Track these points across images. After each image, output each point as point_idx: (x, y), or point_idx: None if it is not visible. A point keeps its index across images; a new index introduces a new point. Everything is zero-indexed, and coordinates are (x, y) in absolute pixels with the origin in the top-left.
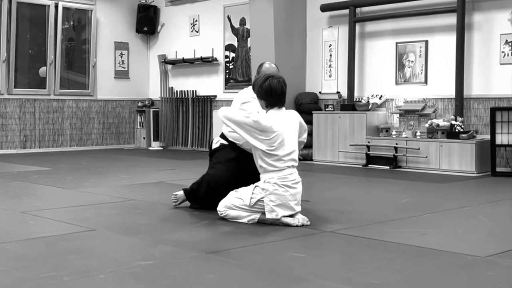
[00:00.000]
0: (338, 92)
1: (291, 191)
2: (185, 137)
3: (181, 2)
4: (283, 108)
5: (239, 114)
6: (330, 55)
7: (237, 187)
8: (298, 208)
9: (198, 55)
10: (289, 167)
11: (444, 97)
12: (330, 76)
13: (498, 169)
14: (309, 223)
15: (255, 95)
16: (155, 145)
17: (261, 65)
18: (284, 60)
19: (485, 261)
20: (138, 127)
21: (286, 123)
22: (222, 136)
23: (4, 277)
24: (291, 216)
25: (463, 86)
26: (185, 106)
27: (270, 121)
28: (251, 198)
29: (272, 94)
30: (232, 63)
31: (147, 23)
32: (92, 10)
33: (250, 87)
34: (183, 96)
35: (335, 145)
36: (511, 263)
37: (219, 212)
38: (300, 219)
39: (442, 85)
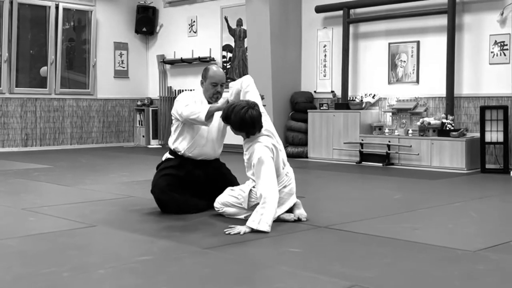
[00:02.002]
0: (332, 91)
1: (286, 189)
2: None
3: (179, 3)
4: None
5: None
6: (325, 55)
7: (186, 190)
8: (294, 200)
9: (196, 55)
10: (283, 169)
11: (435, 96)
12: (324, 76)
13: (487, 166)
14: (305, 218)
15: (196, 99)
16: (154, 143)
17: (207, 69)
18: (280, 60)
19: (474, 255)
20: (138, 125)
21: (273, 140)
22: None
23: (5, 273)
24: (288, 210)
25: (453, 85)
26: None
27: (271, 161)
28: (248, 202)
29: (254, 125)
30: (229, 63)
31: (146, 23)
32: (92, 11)
33: (194, 93)
34: None
35: (329, 143)
36: (500, 257)
37: (215, 208)
38: (297, 214)
39: (433, 85)
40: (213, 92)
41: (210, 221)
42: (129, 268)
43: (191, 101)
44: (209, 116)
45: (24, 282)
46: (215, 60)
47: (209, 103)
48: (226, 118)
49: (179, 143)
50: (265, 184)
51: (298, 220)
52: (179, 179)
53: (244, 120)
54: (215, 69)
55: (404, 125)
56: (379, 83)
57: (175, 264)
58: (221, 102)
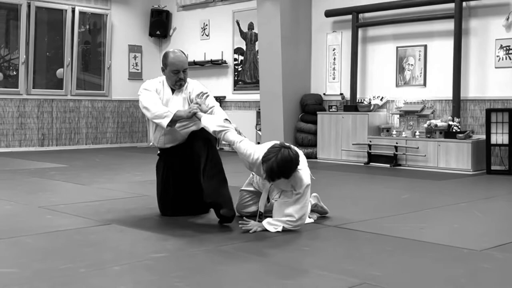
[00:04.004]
0: (341, 94)
1: None
2: None
3: (192, 7)
4: None
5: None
6: (334, 58)
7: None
8: None
9: (208, 58)
10: None
11: (442, 98)
12: (333, 79)
13: (493, 167)
14: (315, 219)
15: (157, 87)
16: None
17: (166, 56)
18: (290, 63)
19: (480, 254)
20: None
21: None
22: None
23: (23, 269)
24: None
25: (460, 88)
26: None
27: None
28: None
29: (294, 167)
30: (241, 65)
31: (159, 27)
32: (107, 15)
33: (157, 81)
34: None
35: (338, 144)
36: (505, 256)
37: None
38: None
39: (440, 88)
40: (175, 80)
41: None
42: (144, 265)
43: (154, 95)
44: (172, 123)
45: (42, 277)
46: (227, 63)
47: (172, 90)
48: (280, 175)
49: (151, 134)
50: (302, 211)
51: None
52: (180, 199)
53: (295, 161)
54: (176, 54)
55: (412, 127)
56: (387, 85)
57: (189, 261)
58: (185, 112)
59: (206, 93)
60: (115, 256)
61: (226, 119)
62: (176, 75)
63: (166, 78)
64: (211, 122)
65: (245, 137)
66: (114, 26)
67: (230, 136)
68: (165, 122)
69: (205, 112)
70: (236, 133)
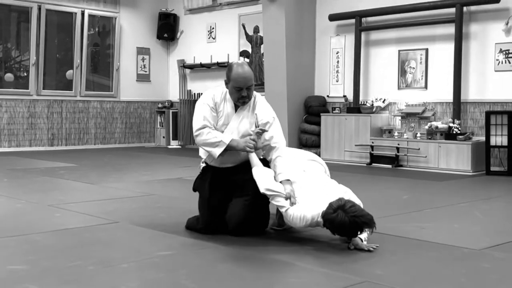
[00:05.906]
0: (344, 96)
1: None
2: None
3: (199, 10)
4: None
5: None
6: (337, 61)
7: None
8: None
9: (214, 60)
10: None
11: (442, 101)
12: (337, 81)
13: (492, 169)
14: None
15: (218, 100)
16: (174, 144)
17: (230, 68)
18: (295, 66)
19: (480, 254)
20: (158, 127)
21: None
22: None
23: (32, 266)
24: None
25: (460, 91)
26: None
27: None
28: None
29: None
30: None
31: (167, 30)
32: (116, 18)
33: (218, 92)
34: None
35: (341, 145)
36: (504, 256)
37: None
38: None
39: (441, 90)
40: (237, 97)
41: None
42: (151, 263)
43: (209, 112)
44: (224, 152)
45: (51, 275)
46: None
47: (236, 106)
48: (356, 233)
49: (201, 151)
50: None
51: None
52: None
53: (358, 220)
54: (243, 69)
55: (413, 129)
56: (389, 88)
57: (196, 259)
58: (239, 145)
59: (266, 130)
60: (122, 254)
61: (288, 180)
62: (239, 92)
63: (229, 92)
64: (262, 180)
65: (296, 203)
66: (123, 29)
67: (279, 202)
68: (217, 151)
69: (258, 148)
70: (284, 200)
